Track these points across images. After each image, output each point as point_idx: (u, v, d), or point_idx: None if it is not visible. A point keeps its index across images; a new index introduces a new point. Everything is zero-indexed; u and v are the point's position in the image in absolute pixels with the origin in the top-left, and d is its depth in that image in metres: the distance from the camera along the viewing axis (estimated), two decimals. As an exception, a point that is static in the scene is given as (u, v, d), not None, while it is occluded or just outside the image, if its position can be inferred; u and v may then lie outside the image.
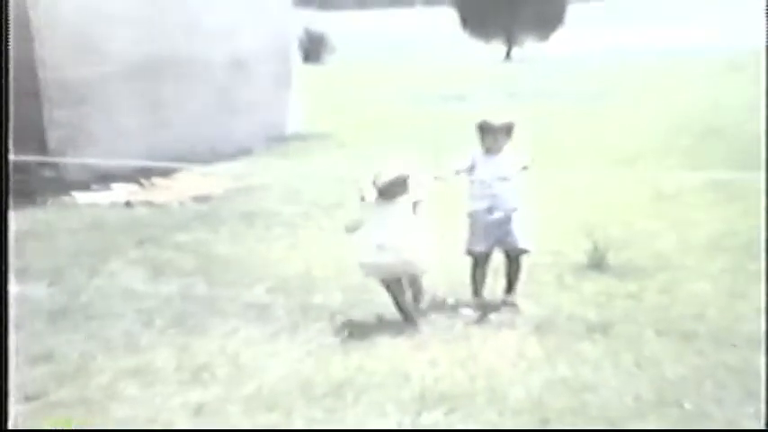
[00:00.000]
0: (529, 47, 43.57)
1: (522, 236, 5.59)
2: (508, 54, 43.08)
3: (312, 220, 8.36)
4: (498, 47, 43.78)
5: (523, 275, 5.81)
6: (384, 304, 5.65)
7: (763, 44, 17.29)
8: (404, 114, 17.63)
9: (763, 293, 5.28)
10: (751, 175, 9.43)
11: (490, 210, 5.54)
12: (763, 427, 3.59)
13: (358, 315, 5.56)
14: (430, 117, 16.92)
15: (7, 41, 4.01)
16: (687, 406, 4.13)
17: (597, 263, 6.41)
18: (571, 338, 5.08)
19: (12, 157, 4.05)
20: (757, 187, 8.68)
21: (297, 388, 4.45)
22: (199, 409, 4.24)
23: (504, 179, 5.54)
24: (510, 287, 5.74)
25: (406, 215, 5.28)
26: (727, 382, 4.39)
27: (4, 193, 3.81)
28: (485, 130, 5.58)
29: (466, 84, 24.03)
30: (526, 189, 5.68)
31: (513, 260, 5.70)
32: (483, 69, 31.71)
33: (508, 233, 5.56)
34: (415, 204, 5.32)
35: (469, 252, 5.70)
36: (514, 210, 5.55)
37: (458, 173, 5.61)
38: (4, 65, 4.02)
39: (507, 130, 5.59)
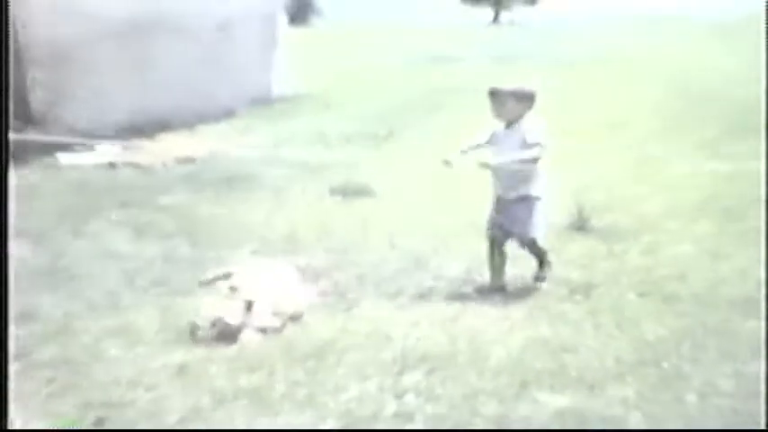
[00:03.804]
0: (517, 10, 43.33)
1: (530, 223, 5.17)
2: (496, 17, 42.83)
3: (296, 183, 8.34)
4: (486, 10, 43.51)
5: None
6: (367, 264, 5.68)
7: (757, 10, 17.29)
8: (390, 76, 17.55)
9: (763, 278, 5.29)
10: (738, 138, 9.49)
11: (502, 192, 5.19)
12: (763, 427, 3.62)
13: (341, 277, 5.56)
14: (415, 79, 16.86)
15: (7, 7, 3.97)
16: (665, 366, 4.17)
17: (581, 224, 6.44)
18: (553, 299, 5.11)
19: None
20: (742, 151, 8.73)
21: (279, 349, 4.46)
22: (181, 370, 4.25)
23: (518, 158, 5.04)
24: (539, 265, 5.40)
25: None
26: (706, 343, 4.42)
27: (4, 155, 3.79)
28: (492, 94, 5.10)
29: (453, 46, 23.91)
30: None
31: (526, 246, 5.36)
32: (471, 33, 31.55)
33: (515, 220, 5.18)
34: None
35: (487, 234, 5.40)
36: (523, 195, 5.12)
37: (464, 153, 5.19)
38: (3, 27, 3.99)
39: (518, 96, 5.08)
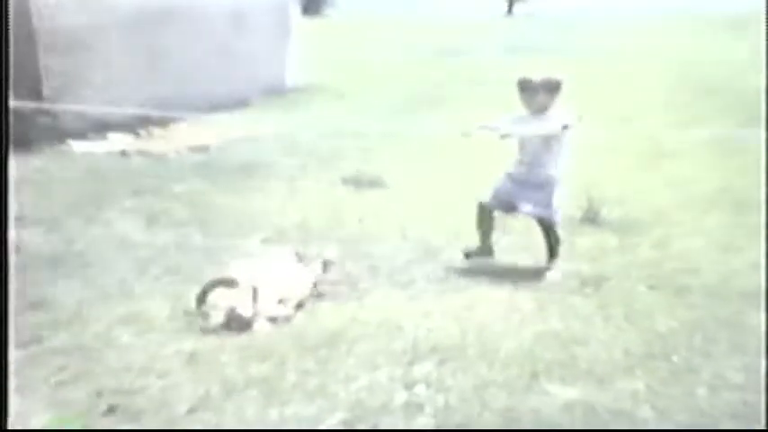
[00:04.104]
0: (531, 2, 43.20)
1: (553, 206, 5.36)
2: (510, 9, 42.72)
3: (309, 172, 8.35)
4: (500, 2, 43.42)
5: (518, 228, 5.85)
6: (379, 256, 5.69)
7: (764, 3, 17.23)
8: (403, 67, 17.53)
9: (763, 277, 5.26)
10: (748, 131, 9.44)
11: (521, 172, 5.37)
12: (763, 427, 3.62)
13: (353, 266, 5.57)
14: (429, 70, 16.84)
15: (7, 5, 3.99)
16: (675, 359, 4.17)
17: (592, 217, 6.43)
18: (563, 292, 5.11)
19: (12, 103, 4.04)
20: (755, 144, 8.68)
21: (290, 338, 4.47)
22: (192, 358, 4.26)
23: (543, 141, 5.26)
24: (550, 255, 5.53)
25: None
26: (717, 336, 4.42)
27: (4, 140, 3.80)
28: (522, 87, 5.27)
29: (466, 38, 23.86)
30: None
31: (545, 230, 5.50)
32: (484, 24, 31.48)
33: (538, 201, 5.33)
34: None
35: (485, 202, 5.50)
36: (549, 177, 5.30)
37: (482, 128, 5.38)
38: (3, 12, 4.00)
39: (548, 87, 5.24)
